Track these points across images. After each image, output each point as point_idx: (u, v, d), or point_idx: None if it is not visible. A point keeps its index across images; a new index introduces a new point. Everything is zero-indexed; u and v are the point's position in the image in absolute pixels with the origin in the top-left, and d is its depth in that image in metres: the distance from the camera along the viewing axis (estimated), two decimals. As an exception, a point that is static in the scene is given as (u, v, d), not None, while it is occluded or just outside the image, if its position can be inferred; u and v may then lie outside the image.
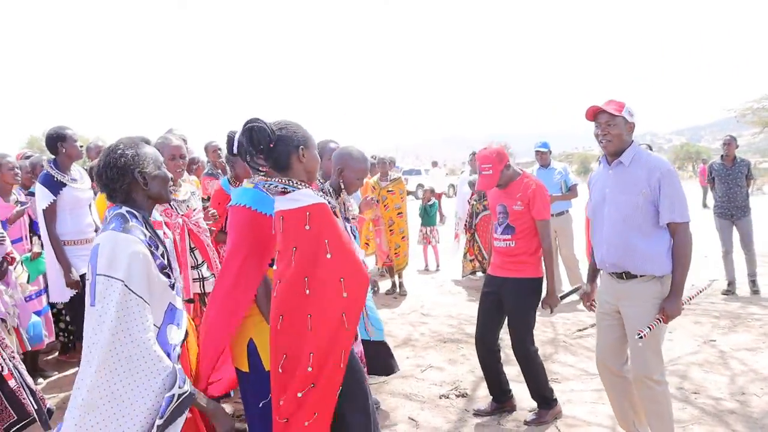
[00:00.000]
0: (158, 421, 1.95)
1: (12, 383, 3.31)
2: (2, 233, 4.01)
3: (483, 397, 4.47)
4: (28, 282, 4.61)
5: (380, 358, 4.17)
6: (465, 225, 8.66)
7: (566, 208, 7.38)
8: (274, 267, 2.40)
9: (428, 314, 7.15)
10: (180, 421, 2.03)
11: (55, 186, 4.49)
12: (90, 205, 4.78)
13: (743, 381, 4.56)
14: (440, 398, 4.50)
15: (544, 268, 4.01)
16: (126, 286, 1.97)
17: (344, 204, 3.43)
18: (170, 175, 2.35)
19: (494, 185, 3.95)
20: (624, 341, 3.41)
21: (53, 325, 5.12)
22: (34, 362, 5.09)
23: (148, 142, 3.42)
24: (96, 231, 4.79)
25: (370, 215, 7.90)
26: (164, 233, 3.40)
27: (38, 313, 4.80)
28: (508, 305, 3.97)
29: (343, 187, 3.32)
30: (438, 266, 10.10)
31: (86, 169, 5.08)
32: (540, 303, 4.03)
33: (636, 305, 3.23)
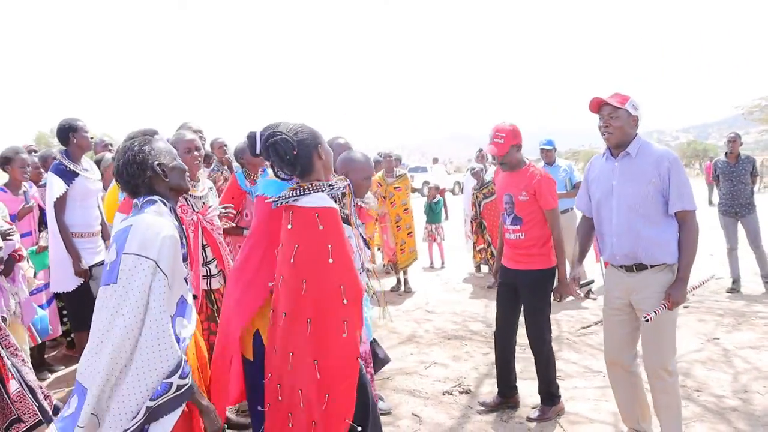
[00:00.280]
0: (148, 403, 1.96)
1: (13, 385, 3.33)
2: (11, 227, 4.04)
3: (486, 393, 4.49)
4: (33, 276, 4.66)
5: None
6: (471, 219, 8.68)
7: (571, 205, 7.37)
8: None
9: (433, 311, 7.17)
10: (174, 415, 2.03)
11: (68, 175, 4.53)
12: (98, 198, 4.82)
13: (746, 379, 4.57)
14: (444, 394, 4.52)
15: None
16: (158, 265, 2.00)
17: (355, 207, 3.46)
18: (185, 167, 2.39)
19: (500, 155, 3.91)
20: (635, 336, 3.43)
21: (59, 319, 5.15)
22: (41, 357, 5.14)
23: (156, 133, 3.46)
24: (102, 224, 4.83)
25: (374, 213, 7.93)
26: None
27: (47, 305, 4.85)
28: (524, 298, 4.00)
29: (352, 190, 3.35)
30: (443, 263, 10.12)
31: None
32: (552, 292, 4.03)
33: (650, 296, 3.23)
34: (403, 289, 8.30)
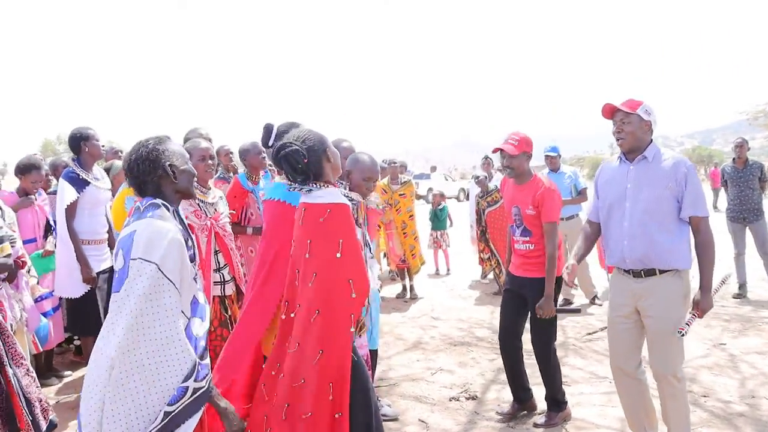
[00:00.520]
0: (166, 408, 1.98)
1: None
2: (13, 235, 4.05)
3: (493, 399, 4.51)
4: (37, 283, 4.68)
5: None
6: (476, 226, 8.70)
7: (576, 211, 7.40)
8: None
9: (438, 318, 7.18)
10: (194, 418, 2.05)
11: (79, 183, 4.58)
12: (106, 206, 4.86)
13: (753, 384, 4.57)
14: (450, 401, 4.52)
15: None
16: (159, 269, 2.01)
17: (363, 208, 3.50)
18: (195, 172, 2.42)
19: (512, 156, 3.89)
20: (640, 343, 3.43)
21: (62, 326, 5.17)
22: (48, 363, 5.17)
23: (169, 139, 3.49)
24: (109, 232, 4.87)
25: (379, 210, 7.96)
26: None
27: (46, 315, 4.87)
28: (531, 306, 3.98)
29: (349, 189, 3.39)
30: (448, 270, 10.13)
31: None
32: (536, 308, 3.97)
33: (659, 302, 3.23)
34: (408, 295, 8.31)
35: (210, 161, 3.72)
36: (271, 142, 2.60)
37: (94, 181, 4.67)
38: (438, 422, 4.16)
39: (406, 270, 8.26)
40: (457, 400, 4.54)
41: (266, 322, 2.71)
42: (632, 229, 3.27)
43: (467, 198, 12.64)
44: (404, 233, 8.06)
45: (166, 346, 1.99)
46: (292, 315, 2.52)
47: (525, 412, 4.18)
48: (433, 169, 29.99)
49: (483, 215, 8.19)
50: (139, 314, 1.96)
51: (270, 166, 5.03)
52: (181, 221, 2.29)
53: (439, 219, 9.90)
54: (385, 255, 9.07)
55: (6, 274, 3.92)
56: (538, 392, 4.20)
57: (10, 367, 3.36)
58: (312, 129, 2.64)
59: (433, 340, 6.20)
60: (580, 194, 7.32)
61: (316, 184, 2.55)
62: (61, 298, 4.94)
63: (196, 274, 2.30)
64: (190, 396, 2.03)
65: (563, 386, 4.15)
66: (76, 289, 4.64)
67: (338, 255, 2.41)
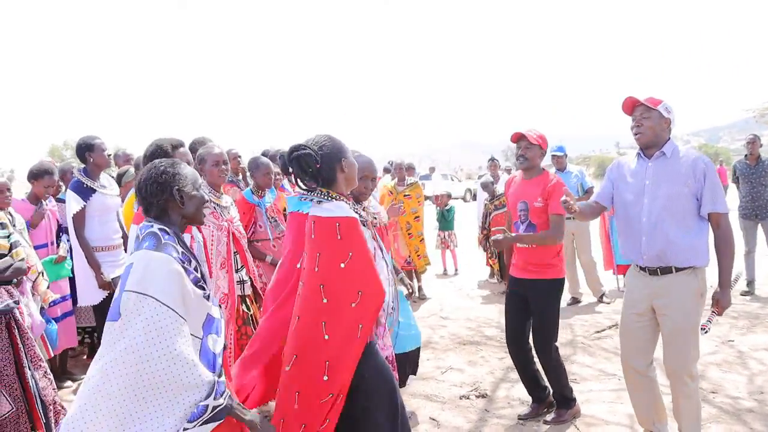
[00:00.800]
0: (186, 425, 2.02)
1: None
2: (18, 240, 4.06)
3: (503, 397, 4.55)
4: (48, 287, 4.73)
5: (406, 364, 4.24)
6: (480, 226, 8.74)
7: (583, 210, 7.42)
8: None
9: (447, 317, 7.22)
10: (208, 428, 2.08)
11: (85, 192, 4.65)
12: (117, 212, 4.92)
13: (762, 380, 4.60)
14: (461, 399, 4.57)
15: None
16: (159, 302, 2.02)
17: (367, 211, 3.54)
18: (205, 199, 2.42)
19: (531, 143, 3.92)
20: (654, 342, 3.46)
21: (75, 331, 5.23)
22: (63, 366, 5.23)
23: (181, 145, 3.52)
24: (123, 237, 4.93)
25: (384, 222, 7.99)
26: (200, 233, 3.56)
27: (62, 317, 4.92)
28: (534, 307, 4.01)
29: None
30: (456, 270, 10.17)
31: (113, 177, 5.21)
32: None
33: (675, 301, 3.25)
34: (417, 295, 8.34)
35: (224, 166, 3.80)
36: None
37: (100, 189, 4.72)
38: (449, 420, 4.20)
39: (413, 271, 8.29)
40: (468, 398, 4.58)
41: (284, 334, 2.75)
42: (650, 225, 3.29)
43: (474, 198, 12.69)
44: (409, 234, 8.08)
45: (177, 373, 2.01)
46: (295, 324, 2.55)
47: (545, 410, 4.19)
48: (432, 170, 30.30)
49: (489, 218, 8.22)
50: (137, 349, 1.98)
51: (278, 175, 5.13)
52: (184, 245, 2.29)
53: (446, 219, 9.94)
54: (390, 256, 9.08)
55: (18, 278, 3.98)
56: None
57: (29, 369, 3.42)
58: (333, 137, 2.65)
59: (442, 339, 6.24)
60: (587, 193, 7.35)
61: (327, 194, 2.56)
62: (74, 304, 5.01)
63: (207, 293, 2.31)
64: (210, 413, 2.07)
65: (572, 384, 4.18)
66: (95, 296, 4.73)
67: (342, 265, 2.43)
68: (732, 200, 7.52)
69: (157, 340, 1.99)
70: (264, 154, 5.68)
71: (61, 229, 5.24)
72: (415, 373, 4.41)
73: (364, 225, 2.67)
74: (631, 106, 3.36)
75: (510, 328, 4.19)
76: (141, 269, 2.06)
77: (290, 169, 2.61)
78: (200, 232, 3.59)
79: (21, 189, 5.19)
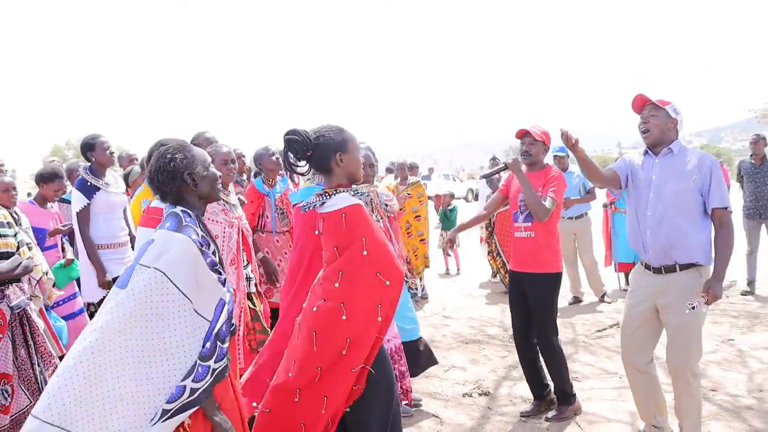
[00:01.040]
0: (165, 406, 2.05)
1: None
2: (30, 242, 4.10)
3: (505, 395, 4.60)
4: (54, 286, 4.78)
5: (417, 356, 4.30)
6: (485, 225, 8.75)
7: (585, 210, 7.48)
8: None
9: (450, 317, 7.28)
10: (187, 413, 2.11)
11: (89, 190, 4.68)
12: (125, 210, 4.96)
13: (761, 378, 4.65)
14: (463, 397, 4.63)
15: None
16: (167, 277, 2.08)
17: (376, 197, 3.60)
18: (219, 174, 2.46)
19: (536, 139, 4.01)
20: (655, 340, 3.51)
21: None
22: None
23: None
24: (129, 235, 4.98)
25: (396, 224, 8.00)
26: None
27: (72, 316, 4.96)
28: (532, 300, 4.08)
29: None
30: (458, 270, 10.23)
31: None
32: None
33: (679, 299, 3.29)
34: (419, 295, 8.39)
35: (232, 165, 3.85)
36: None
37: (104, 187, 4.75)
38: (452, 417, 4.26)
39: (411, 270, 8.31)
40: (470, 396, 4.63)
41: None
42: (655, 218, 3.35)
43: (476, 198, 12.72)
44: (408, 233, 8.09)
45: (168, 350, 2.06)
46: (314, 309, 2.59)
47: (547, 407, 4.24)
48: (431, 170, 30.58)
49: (493, 216, 8.26)
50: (135, 319, 2.03)
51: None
52: (204, 228, 2.34)
53: (449, 219, 10.00)
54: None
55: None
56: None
57: (38, 366, 3.48)
58: (341, 130, 2.66)
59: (445, 338, 6.30)
60: (589, 193, 7.40)
61: (326, 194, 2.60)
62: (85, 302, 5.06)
63: (223, 278, 2.35)
64: (188, 396, 2.09)
65: (574, 381, 4.23)
66: (96, 293, 4.77)
67: (365, 252, 2.50)
68: (735, 200, 7.57)
69: (162, 316, 2.06)
70: None
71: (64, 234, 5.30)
72: (426, 366, 4.47)
73: (370, 206, 2.72)
74: (641, 105, 3.44)
75: (516, 325, 4.25)
76: (159, 246, 2.13)
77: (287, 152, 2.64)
78: (230, 226, 3.66)
79: (23, 189, 5.23)
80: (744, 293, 7.45)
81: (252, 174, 6.20)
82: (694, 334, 3.30)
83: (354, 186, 2.67)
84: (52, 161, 6.69)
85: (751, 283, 7.55)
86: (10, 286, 3.58)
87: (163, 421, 2.04)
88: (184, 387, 2.08)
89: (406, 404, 4.32)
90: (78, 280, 5.03)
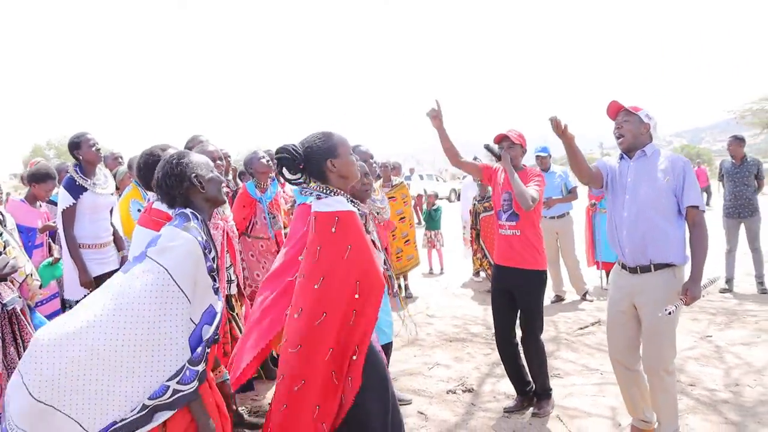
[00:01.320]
0: (146, 401, 2.08)
1: None
2: (12, 241, 4.10)
3: (488, 392, 4.67)
4: (40, 287, 4.78)
5: None
6: (471, 227, 8.82)
7: (567, 210, 7.57)
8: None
9: (434, 315, 7.34)
10: (167, 414, 2.13)
11: (76, 190, 4.68)
12: (111, 210, 4.97)
13: (737, 373, 4.76)
14: (447, 393, 4.69)
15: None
16: (169, 274, 2.13)
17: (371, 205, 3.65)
18: (222, 179, 2.51)
19: (514, 142, 4.10)
20: (638, 338, 3.59)
21: None
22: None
23: (169, 146, 3.60)
24: (114, 236, 4.99)
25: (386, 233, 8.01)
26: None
27: (53, 315, 4.97)
28: (520, 298, 4.15)
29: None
30: (442, 269, 10.30)
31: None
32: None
33: (652, 299, 3.40)
34: (403, 294, 8.43)
35: (219, 162, 3.88)
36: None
37: (91, 187, 4.74)
38: (436, 414, 4.32)
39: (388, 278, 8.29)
40: (454, 392, 4.70)
41: (280, 325, 2.85)
42: (630, 219, 3.46)
43: (458, 198, 12.82)
44: (393, 235, 8.11)
45: (157, 346, 2.09)
46: (296, 316, 2.63)
47: (528, 403, 4.31)
48: (412, 171, 30.93)
49: (478, 218, 8.33)
50: (135, 305, 2.07)
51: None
52: (208, 232, 2.38)
53: (433, 219, 10.09)
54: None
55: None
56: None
57: None
58: (329, 135, 2.70)
59: (429, 336, 6.36)
60: (571, 193, 7.49)
61: (325, 188, 2.65)
62: (63, 302, 5.06)
63: (217, 285, 2.39)
64: (170, 396, 2.12)
65: (556, 378, 4.32)
66: (77, 292, 4.77)
67: (344, 257, 2.53)
68: (716, 199, 7.66)
69: (158, 310, 2.09)
70: None
71: (52, 231, 5.31)
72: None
73: (362, 218, 2.77)
74: (615, 111, 3.57)
75: (498, 325, 4.31)
76: (164, 242, 2.18)
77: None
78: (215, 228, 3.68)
79: (3, 189, 5.23)
80: (722, 291, 7.59)
81: (238, 174, 6.22)
82: (667, 334, 3.40)
83: (353, 200, 2.73)
84: (39, 161, 6.67)
85: (729, 281, 7.69)
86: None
87: (140, 414, 2.08)
88: (168, 387, 2.11)
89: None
90: (60, 279, 5.04)
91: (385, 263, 3.23)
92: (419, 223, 14.52)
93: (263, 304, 3.00)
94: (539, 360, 4.18)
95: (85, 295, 4.71)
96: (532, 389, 4.31)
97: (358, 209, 2.74)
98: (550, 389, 4.26)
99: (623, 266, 3.58)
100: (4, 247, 3.81)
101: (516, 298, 4.17)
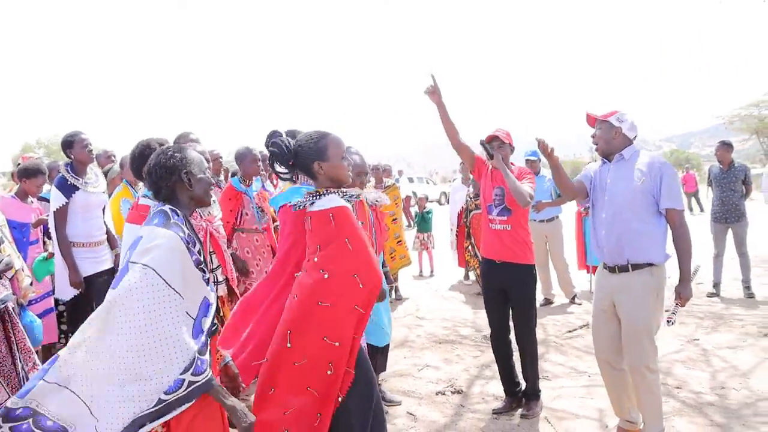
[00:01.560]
0: (162, 396, 2.10)
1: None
2: (4, 238, 4.11)
3: (477, 393, 4.70)
4: (34, 282, 4.77)
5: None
6: (462, 223, 8.82)
7: (556, 213, 7.61)
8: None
9: (423, 317, 7.37)
10: (184, 407, 2.15)
11: (68, 189, 4.68)
12: (104, 209, 4.97)
13: (723, 376, 4.81)
14: (437, 395, 4.72)
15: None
16: (158, 274, 2.13)
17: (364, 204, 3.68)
18: (212, 181, 2.52)
19: (504, 141, 4.16)
20: (620, 335, 3.64)
21: (56, 326, 5.27)
22: (44, 360, 5.28)
23: (167, 142, 3.62)
24: (107, 234, 4.99)
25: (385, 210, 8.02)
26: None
27: (49, 311, 4.97)
28: (513, 294, 4.20)
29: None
30: (432, 272, 10.34)
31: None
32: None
33: (629, 298, 3.49)
34: (393, 296, 8.46)
35: (207, 164, 3.88)
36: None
37: (83, 186, 4.74)
38: (425, 415, 4.35)
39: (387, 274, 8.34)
40: (444, 394, 4.73)
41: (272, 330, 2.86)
42: (608, 219, 3.55)
43: (448, 201, 12.85)
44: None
45: (162, 344, 2.11)
46: (294, 299, 2.65)
47: (517, 404, 4.35)
48: (400, 173, 31.22)
49: (469, 215, 8.35)
50: (128, 310, 2.08)
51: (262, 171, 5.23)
52: (190, 226, 2.40)
53: (425, 221, 10.13)
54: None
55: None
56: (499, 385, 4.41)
57: (20, 361, 3.51)
58: (324, 137, 2.72)
59: (419, 338, 6.39)
60: (560, 197, 7.50)
61: (316, 194, 2.67)
62: (55, 301, 5.06)
63: (207, 277, 2.40)
64: (186, 389, 2.13)
65: (545, 380, 4.35)
66: (67, 291, 4.77)
67: (346, 251, 2.57)
68: (706, 204, 7.72)
69: (151, 311, 2.10)
70: None
71: (45, 227, 5.30)
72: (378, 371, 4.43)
73: (354, 211, 2.80)
74: (592, 121, 3.72)
75: (493, 324, 4.36)
76: (147, 243, 2.17)
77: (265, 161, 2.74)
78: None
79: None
80: (710, 295, 7.65)
81: (230, 174, 6.23)
82: (645, 332, 3.47)
83: (342, 189, 2.74)
84: (30, 156, 6.66)
85: (716, 285, 7.74)
86: None
87: (157, 407, 2.09)
88: (183, 380, 2.13)
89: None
90: (52, 277, 5.04)
91: (383, 265, 3.26)
92: (409, 225, 14.60)
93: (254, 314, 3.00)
94: (532, 358, 4.24)
95: (74, 296, 4.72)
96: (521, 390, 4.35)
97: (351, 196, 2.76)
98: (539, 391, 4.31)
99: (605, 266, 3.67)
100: None
101: (509, 295, 4.21)
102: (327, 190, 2.68)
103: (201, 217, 3.83)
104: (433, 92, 4.06)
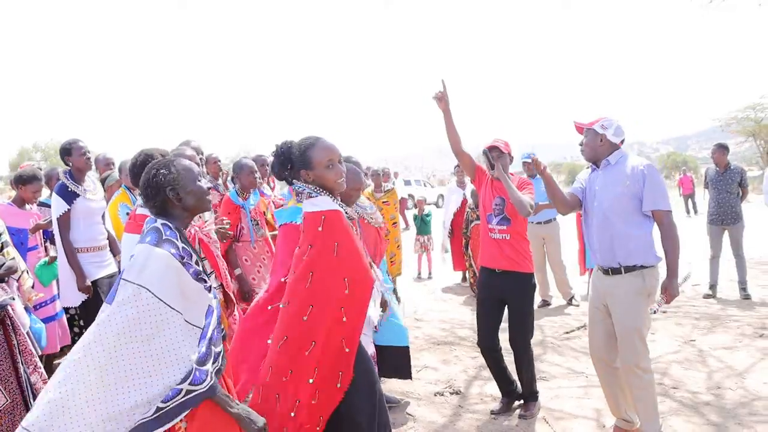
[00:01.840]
0: (159, 404, 2.11)
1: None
2: (8, 242, 4.14)
3: (476, 394, 4.74)
4: (38, 286, 4.79)
5: (394, 361, 4.35)
6: (462, 234, 8.84)
7: (553, 215, 7.64)
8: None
9: (422, 319, 7.41)
10: (179, 416, 2.16)
11: (68, 196, 4.70)
12: (103, 215, 5.00)
13: (719, 377, 4.86)
14: (435, 396, 4.76)
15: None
16: (153, 294, 2.14)
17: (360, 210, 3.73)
18: (204, 190, 2.47)
19: (503, 152, 4.19)
20: (614, 335, 3.69)
21: (68, 329, 5.29)
22: (48, 366, 5.30)
23: (167, 153, 3.62)
24: (108, 239, 5.02)
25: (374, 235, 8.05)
26: None
27: (52, 318, 5.00)
28: (512, 302, 4.21)
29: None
30: (430, 274, 10.37)
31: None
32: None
33: (620, 300, 3.56)
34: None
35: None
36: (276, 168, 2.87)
37: (83, 193, 4.77)
38: (424, 415, 4.38)
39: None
40: (442, 395, 4.77)
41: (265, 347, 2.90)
42: (599, 223, 3.64)
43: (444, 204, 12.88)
44: (386, 239, 8.14)
45: (161, 357, 2.13)
46: (283, 306, 2.69)
47: (515, 405, 4.39)
48: (396, 175, 31.37)
49: (470, 226, 8.37)
50: (124, 333, 2.08)
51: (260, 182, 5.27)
52: (185, 240, 2.38)
53: (425, 223, 10.18)
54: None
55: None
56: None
57: (22, 365, 3.53)
58: (310, 143, 2.75)
59: (417, 340, 6.42)
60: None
61: (316, 188, 2.73)
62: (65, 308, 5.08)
63: (209, 286, 2.41)
64: (183, 396, 2.15)
65: (542, 381, 4.38)
66: (75, 298, 4.79)
67: (333, 254, 2.61)
68: (703, 207, 7.76)
69: (145, 328, 2.11)
70: None
71: (46, 233, 5.32)
72: (402, 377, 4.48)
73: (350, 220, 2.84)
74: (580, 130, 3.85)
75: (483, 332, 4.35)
76: (141, 262, 2.17)
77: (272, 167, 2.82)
78: None
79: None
80: (706, 296, 7.70)
81: (229, 177, 6.26)
82: (637, 333, 3.52)
83: (339, 202, 2.78)
84: (31, 164, 6.68)
85: (713, 287, 7.79)
86: None
87: (156, 415, 2.10)
88: (180, 390, 2.14)
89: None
90: (58, 282, 5.06)
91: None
92: (406, 228, 14.61)
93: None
94: (528, 363, 4.25)
95: (83, 302, 4.75)
96: (517, 388, 4.39)
97: (346, 212, 2.80)
98: (537, 392, 4.35)
99: (599, 268, 3.74)
100: (2, 248, 3.86)
101: (507, 304, 4.24)
102: (320, 191, 2.72)
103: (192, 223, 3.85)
104: (441, 98, 4.09)
